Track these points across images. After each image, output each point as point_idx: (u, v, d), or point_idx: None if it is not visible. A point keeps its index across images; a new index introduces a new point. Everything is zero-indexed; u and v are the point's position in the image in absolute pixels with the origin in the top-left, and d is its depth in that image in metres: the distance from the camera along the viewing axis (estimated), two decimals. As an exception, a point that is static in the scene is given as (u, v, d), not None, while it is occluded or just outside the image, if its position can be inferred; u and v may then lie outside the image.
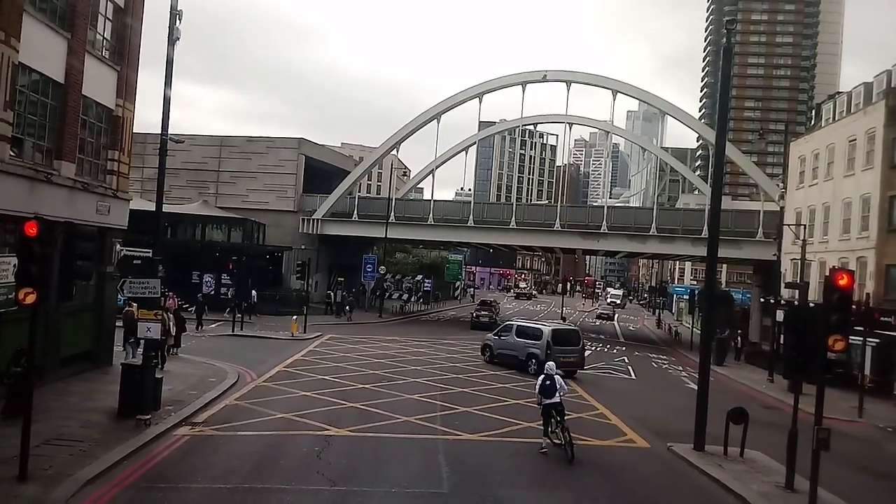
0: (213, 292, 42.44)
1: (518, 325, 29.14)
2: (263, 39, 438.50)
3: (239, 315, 34.37)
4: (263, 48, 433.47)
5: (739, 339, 42.84)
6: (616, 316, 76.18)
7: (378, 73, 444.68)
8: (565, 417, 14.79)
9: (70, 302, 15.05)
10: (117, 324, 21.79)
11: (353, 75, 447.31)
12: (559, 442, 14.52)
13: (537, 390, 15.00)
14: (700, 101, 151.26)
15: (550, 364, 15.66)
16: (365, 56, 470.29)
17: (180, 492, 11.24)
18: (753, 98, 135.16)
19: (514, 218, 51.03)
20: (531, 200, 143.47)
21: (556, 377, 14.97)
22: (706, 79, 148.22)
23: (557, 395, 14.67)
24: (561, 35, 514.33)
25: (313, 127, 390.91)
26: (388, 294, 54.12)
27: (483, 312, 49.16)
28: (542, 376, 15.07)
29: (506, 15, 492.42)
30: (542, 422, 14.96)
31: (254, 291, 41.92)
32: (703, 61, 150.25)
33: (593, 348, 40.19)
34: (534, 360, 25.88)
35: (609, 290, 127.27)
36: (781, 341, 26.20)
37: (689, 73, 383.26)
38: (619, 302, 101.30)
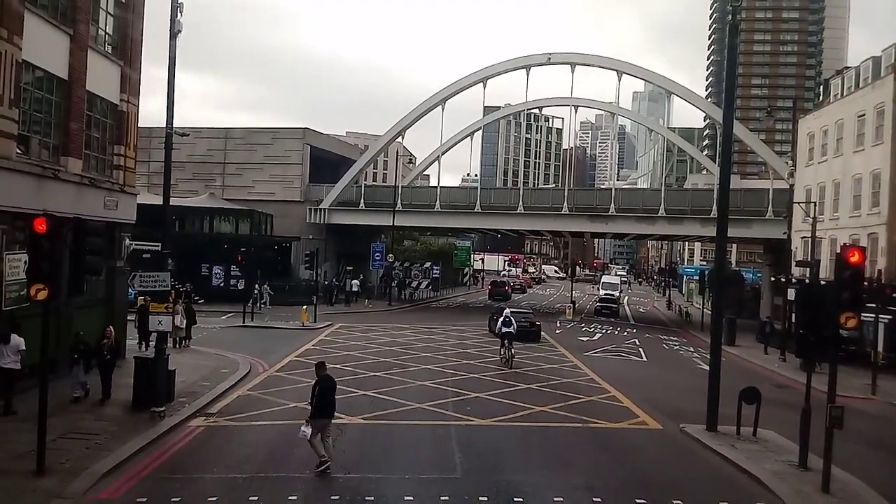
0: (222, 284, 42.73)
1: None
2: (246, 24, 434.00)
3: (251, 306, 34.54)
4: (244, 34, 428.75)
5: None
6: (625, 299, 73.44)
7: (378, 61, 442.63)
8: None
9: (81, 297, 15.12)
10: (129, 318, 21.96)
11: (352, 63, 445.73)
12: (506, 357, 23.84)
13: (500, 324, 24.69)
14: (706, 80, 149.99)
15: (507, 311, 25.38)
16: (364, 43, 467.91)
17: (196, 482, 11.35)
18: (760, 75, 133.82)
19: (521, 202, 50.84)
20: (538, 184, 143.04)
21: (511, 318, 24.65)
22: (712, 56, 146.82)
23: (512, 328, 24.23)
24: (560, 13, 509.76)
25: (311, 115, 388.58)
26: (408, 283, 55.02)
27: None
28: (503, 318, 24.65)
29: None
30: (502, 345, 24.40)
31: (355, 281, 48.47)
32: (709, 39, 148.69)
33: (603, 331, 40.18)
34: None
35: (605, 276, 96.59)
36: (793, 320, 26.12)
37: (692, 49, 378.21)
38: (616, 294, 66.86)
